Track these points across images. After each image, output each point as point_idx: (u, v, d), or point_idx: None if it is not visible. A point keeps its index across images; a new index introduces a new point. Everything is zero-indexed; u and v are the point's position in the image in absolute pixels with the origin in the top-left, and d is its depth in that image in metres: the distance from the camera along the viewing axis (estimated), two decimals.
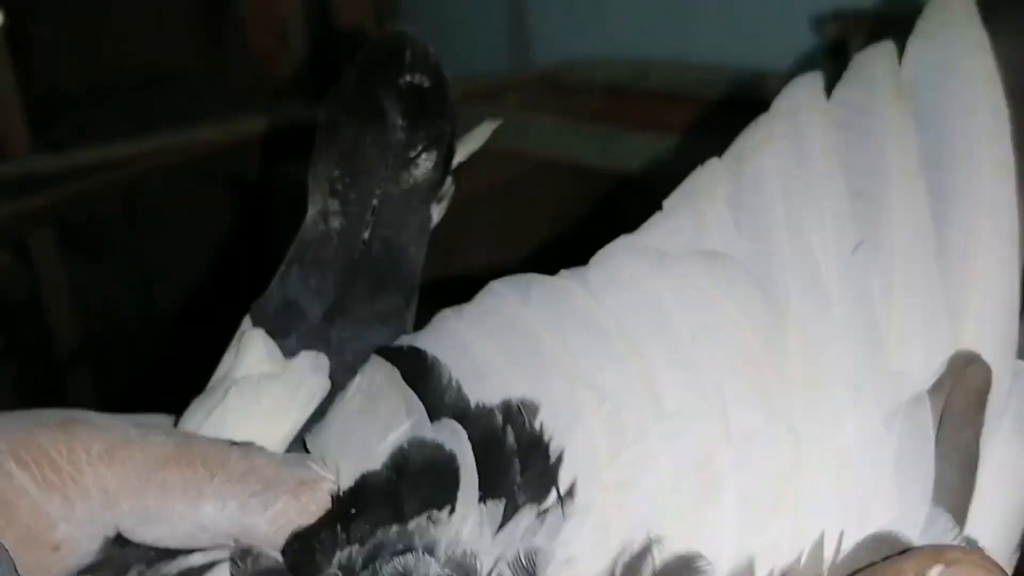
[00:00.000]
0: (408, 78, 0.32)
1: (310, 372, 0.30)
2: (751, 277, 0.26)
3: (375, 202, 0.32)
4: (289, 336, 0.30)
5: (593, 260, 0.27)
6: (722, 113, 1.05)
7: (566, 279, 0.27)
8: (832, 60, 0.92)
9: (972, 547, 0.23)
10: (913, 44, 0.29)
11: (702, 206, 0.27)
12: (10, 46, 1.20)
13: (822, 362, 0.25)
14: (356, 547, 0.24)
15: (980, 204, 0.26)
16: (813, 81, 0.29)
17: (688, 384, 0.25)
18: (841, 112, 0.28)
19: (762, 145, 0.28)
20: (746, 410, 0.25)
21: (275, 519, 0.25)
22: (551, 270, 0.29)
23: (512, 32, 1.36)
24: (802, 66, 0.95)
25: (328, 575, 0.24)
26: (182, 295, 1.30)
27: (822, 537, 0.23)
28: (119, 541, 0.25)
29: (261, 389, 0.29)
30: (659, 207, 0.29)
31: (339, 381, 0.29)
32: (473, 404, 0.25)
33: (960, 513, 0.23)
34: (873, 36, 0.84)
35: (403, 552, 0.23)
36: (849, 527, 0.23)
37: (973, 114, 0.27)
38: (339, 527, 0.24)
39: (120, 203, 1.20)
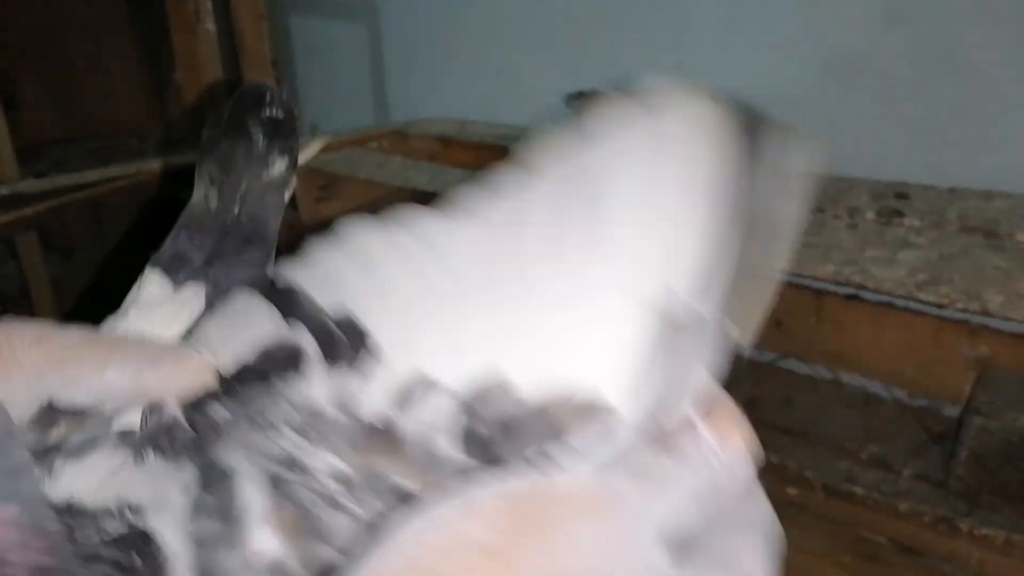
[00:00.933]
0: (268, 112, 0.36)
1: (192, 298, 0.33)
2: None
3: (242, 191, 0.35)
4: (179, 274, 0.34)
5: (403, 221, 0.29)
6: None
7: (397, 230, 0.29)
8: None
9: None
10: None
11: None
12: (3, 102, 1.37)
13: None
14: (238, 404, 0.27)
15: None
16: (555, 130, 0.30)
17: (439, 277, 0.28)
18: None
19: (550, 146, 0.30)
20: (494, 297, 0.28)
21: (162, 380, 0.28)
22: None
23: (376, 101, 1.59)
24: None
25: (219, 418, 0.27)
26: (131, 282, 1.47)
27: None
28: (50, 409, 0.27)
29: (156, 308, 0.32)
30: None
31: (213, 304, 0.33)
32: (318, 307, 0.28)
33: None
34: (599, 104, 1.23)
35: (271, 404, 0.27)
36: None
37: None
38: (224, 395, 0.27)
39: (87, 216, 1.38)
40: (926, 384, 1.12)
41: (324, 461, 0.25)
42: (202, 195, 0.36)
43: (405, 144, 1.40)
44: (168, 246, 0.35)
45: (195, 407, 0.27)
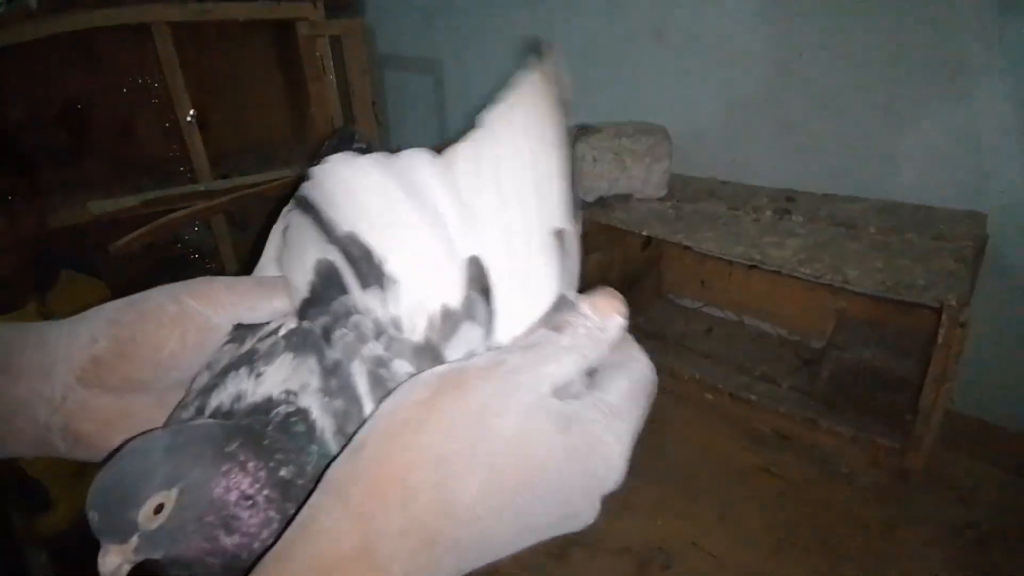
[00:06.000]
0: (357, 144, 0.34)
1: None
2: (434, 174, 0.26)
3: None
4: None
5: (398, 156, 0.27)
6: None
7: (389, 163, 0.27)
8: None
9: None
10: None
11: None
12: (200, 127, 1.33)
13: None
14: (330, 315, 0.25)
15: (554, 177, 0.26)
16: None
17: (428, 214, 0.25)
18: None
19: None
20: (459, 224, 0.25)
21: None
22: None
23: (439, 127, 1.52)
24: None
25: (318, 324, 0.25)
26: None
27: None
28: (240, 326, 0.27)
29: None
30: None
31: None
32: (339, 230, 0.25)
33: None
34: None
35: (348, 314, 0.25)
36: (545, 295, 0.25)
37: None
38: (315, 307, 0.26)
39: (255, 203, 1.32)
40: (800, 325, 1.07)
41: (400, 364, 0.24)
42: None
43: None
44: None
45: (302, 323, 0.26)
